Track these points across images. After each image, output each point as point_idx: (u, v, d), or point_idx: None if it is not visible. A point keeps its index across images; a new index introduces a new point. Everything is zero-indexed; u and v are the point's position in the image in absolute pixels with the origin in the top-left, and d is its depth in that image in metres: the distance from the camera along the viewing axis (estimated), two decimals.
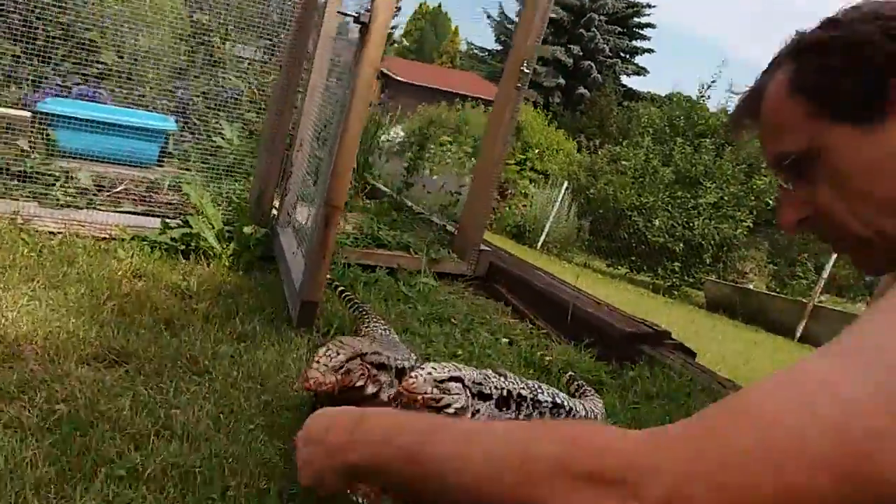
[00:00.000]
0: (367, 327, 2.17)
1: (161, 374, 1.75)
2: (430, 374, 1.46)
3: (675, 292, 11.97)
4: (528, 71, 3.22)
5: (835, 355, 0.74)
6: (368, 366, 1.51)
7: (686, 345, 2.70)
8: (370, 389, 1.51)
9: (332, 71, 2.84)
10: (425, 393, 1.43)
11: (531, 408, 1.65)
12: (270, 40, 4.03)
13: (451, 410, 1.49)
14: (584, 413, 1.79)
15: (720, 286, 11.28)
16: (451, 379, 1.48)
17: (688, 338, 2.71)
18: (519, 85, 3.24)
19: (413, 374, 1.46)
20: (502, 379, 1.63)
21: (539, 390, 1.68)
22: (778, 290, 11.85)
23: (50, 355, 1.73)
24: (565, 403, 1.72)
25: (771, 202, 12.69)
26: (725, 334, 7.12)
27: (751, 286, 11.80)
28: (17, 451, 1.29)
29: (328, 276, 2.73)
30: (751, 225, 12.55)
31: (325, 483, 1.02)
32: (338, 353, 1.44)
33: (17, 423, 1.40)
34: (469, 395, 1.52)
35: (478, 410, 1.55)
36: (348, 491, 1.17)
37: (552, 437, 0.76)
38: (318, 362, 1.41)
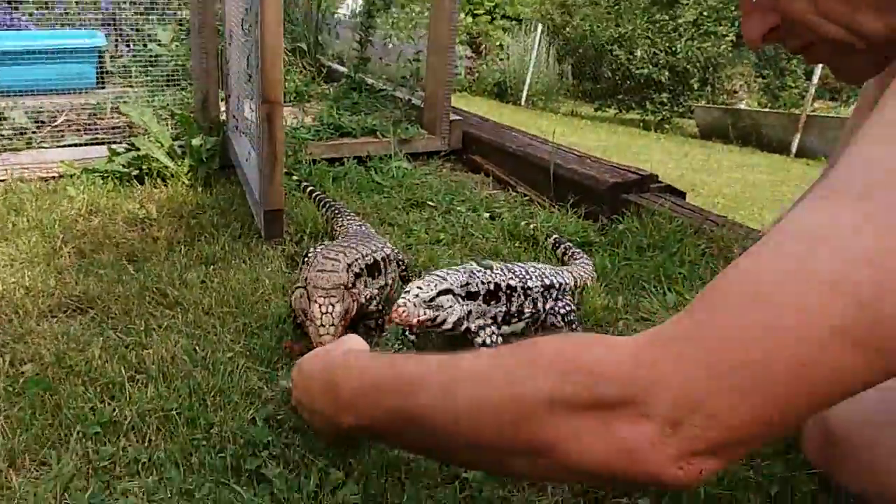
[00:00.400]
0: (341, 226, 2.08)
1: (129, 314, 1.67)
2: (417, 295, 1.40)
3: (667, 126, 11.74)
4: None
5: (824, 201, 0.63)
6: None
7: (675, 186, 2.59)
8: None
9: None
10: (419, 317, 1.39)
11: (522, 296, 1.59)
12: None
13: (448, 325, 1.45)
14: (572, 283, 1.72)
15: (710, 111, 11.02)
16: (440, 293, 1.42)
17: (682, 173, 2.61)
18: None
19: (400, 300, 1.40)
20: (488, 272, 1.56)
21: (527, 276, 1.61)
22: (769, 105, 11.59)
23: (8, 314, 1.64)
24: (555, 281, 1.65)
25: None
26: (720, 163, 7.01)
27: (742, 105, 11.55)
28: None
29: (295, 176, 2.59)
30: (734, 39, 12.08)
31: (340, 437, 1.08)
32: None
33: None
34: (460, 303, 1.47)
35: (469, 312, 1.49)
36: None
37: (535, 369, 0.68)
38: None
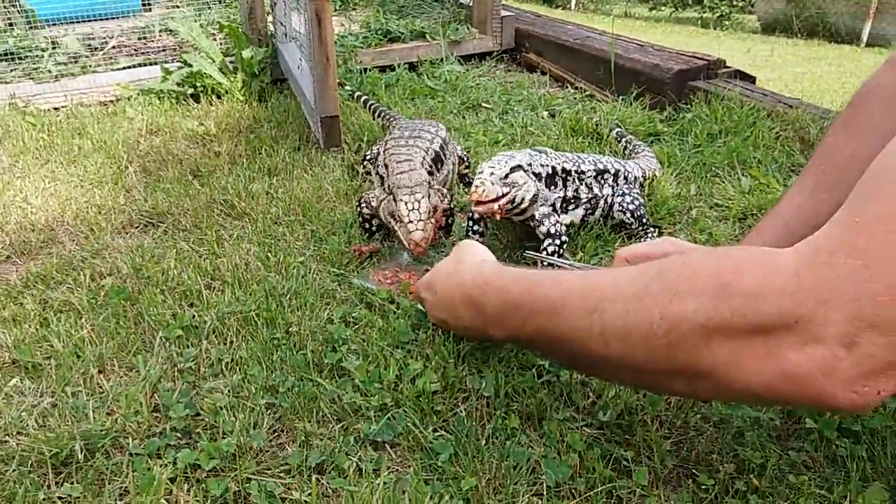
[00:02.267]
0: (395, 128, 2.04)
1: (199, 226, 1.69)
2: (492, 173, 1.37)
3: (727, 22, 11.06)
4: None
5: None
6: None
7: (743, 71, 2.44)
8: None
9: None
10: (497, 196, 1.37)
11: (577, 181, 1.54)
12: None
13: (525, 204, 1.42)
14: (638, 173, 1.66)
15: (772, 2, 10.31)
16: (513, 170, 1.39)
17: (745, 69, 2.44)
18: None
19: (476, 181, 1.37)
20: (543, 156, 1.51)
21: (580, 160, 1.56)
22: None
23: (84, 232, 1.68)
24: (610, 167, 1.60)
25: None
26: (785, 58, 6.61)
27: None
28: (74, 332, 1.27)
29: (347, 86, 2.55)
30: None
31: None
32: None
33: (68, 305, 1.37)
34: (532, 179, 1.43)
35: (538, 191, 1.45)
36: None
37: (688, 292, 0.63)
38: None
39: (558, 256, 1.42)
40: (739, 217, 1.62)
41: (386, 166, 1.55)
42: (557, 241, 1.43)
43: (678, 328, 0.63)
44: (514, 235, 1.59)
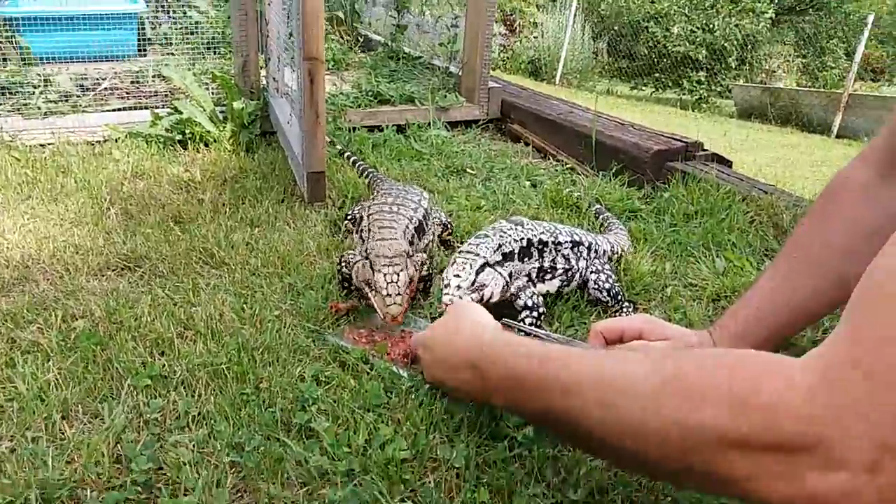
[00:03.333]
0: (379, 190, 2.07)
1: (176, 272, 1.68)
2: (458, 286, 1.37)
3: (704, 105, 11.49)
4: None
5: None
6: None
7: (720, 154, 2.53)
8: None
9: None
10: None
11: (553, 251, 1.57)
12: None
13: (496, 298, 1.42)
14: (607, 247, 1.70)
15: (748, 90, 10.76)
16: (478, 271, 1.39)
17: (721, 151, 2.53)
18: None
19: (443, 296, 1.37)
20: (519, 228, 1.54)
21: (557, 231, 1.60)
22: (809, 84, 11.28)
23: (59, 272, 1.66)
24: (584, 240, 1.64)
25: None
26: (759, 142, 6.86)
27: (780, 84, 11.24)
28: (40, 375, 1.24)
29: (335, 143, 2.59)
30: (773, 16, 11.74)
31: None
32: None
33: (37, 346, 1.35)
34: (498, 270, 1.44)
35: (511, 273, 1.48)
36: None
37: (705, 401, 0.63)
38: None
39: (534, 327, 1.43)
40: (713, 297, 1.66)
41: (368, 230, 1.57)
42: (535, 313, 1.45)
43: (694, 437, 0.63)
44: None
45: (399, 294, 1.39)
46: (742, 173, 2.41)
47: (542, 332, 1.40)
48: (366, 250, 1.49)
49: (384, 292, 1.39)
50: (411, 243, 1.58)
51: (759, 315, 1.20)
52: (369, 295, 1.44)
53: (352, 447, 1.09)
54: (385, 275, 1.40)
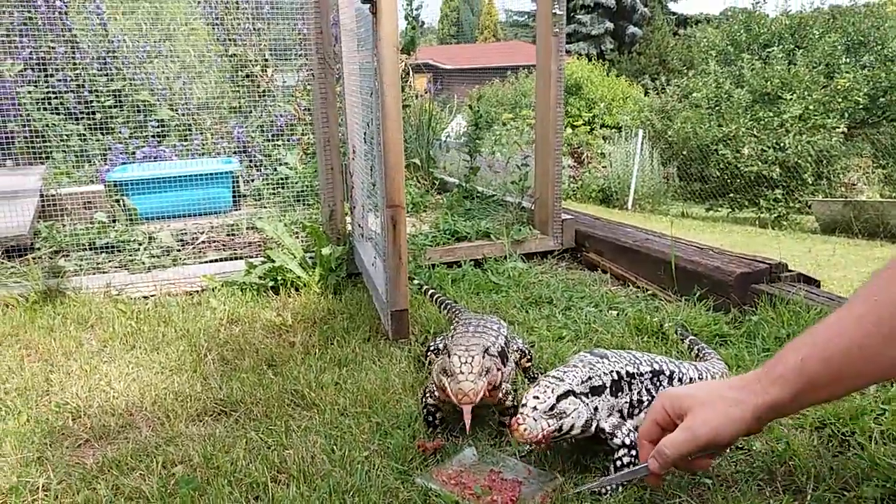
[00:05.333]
0: (459, 321, 2.10)
1: (270, 415, 1.73)
2: (535, 408, 1.32)
3: (784, 223, 11.26)
4: (560, 12, 3.02)
5: None
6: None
7: (807, 274, 2.46)
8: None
9: (363, 70, 2.77)
10: (543, 431, 1.30)
11: (640, 383, 1.51)
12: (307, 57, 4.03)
13: (577, 431, 1.36)
14: (693, 374, 1.62)
15: (829, 205, 10.51)
16: (560, 398, 1.34)
17: (807, 269, 2.48)
18: (556, 30, 3.04)
19: (518, 416, 1.32)
20: (605, 361, 1.48)
21: (638, 361, 1.53)
22: (894, 194, 10.96)
23: (160, 418, 1.74)
24: (665, 368, 1.55)
25: (861, 100, 11.77)
26: (847, 258, 6.62)
27: (863, 197, 10.96)
28: None
29: (416, 280, 2.67)
30: (845, 130, 11.65)
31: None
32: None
33: (138, 493, 1.40)
34: (584, 401, 1.39)
35: (597, 408, 1.41)
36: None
37: None
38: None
39: (632, 465, 1.36)
40: (817, 426, 1.57)
41: (448, 348, 1.57)
42: (634, 452, 1.37)
43: None
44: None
45: (473, 373, 1.34)
46: (831, 292, 2.34)
47: (605, 479, 1.33)
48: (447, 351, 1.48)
49: (458, 370, 1.35)
50: (492, 356, 1.56)
51: (824, 356, 1.09)
52: (446, 385, 1.39)
53: None
54: (459, 356, 1.38)
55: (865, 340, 1.05)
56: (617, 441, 1.39)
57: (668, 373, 1.56)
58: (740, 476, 1.38)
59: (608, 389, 1.44)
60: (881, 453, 1.40)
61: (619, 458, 1.37)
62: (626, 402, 1.47)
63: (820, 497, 1.30)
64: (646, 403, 1.51)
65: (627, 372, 1.48)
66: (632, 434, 1.40)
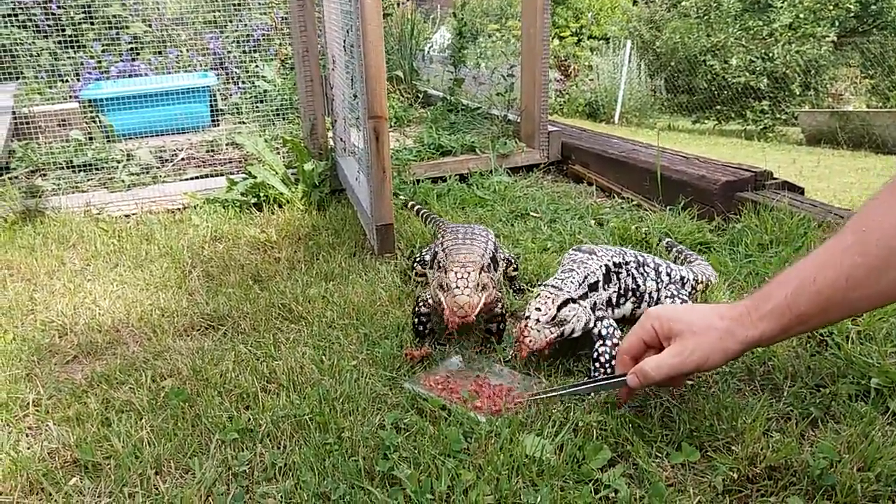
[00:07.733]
0: (446, 230, 2.09)
1: (257, 329, 1.74)
2: (537, 320, 1.38)
3: (770, 134, 11.19)
4: None
5: None
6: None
7: (791, 182, 2.46)
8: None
9: None
10: (547, 339, 1.37)
11: (625, 272, 1.59)
12: None
13: (577, 333, 1.43)
14: (688, 275, 1.68)
15: (815, 115, 10.42)
16: (560, 306, 1.40)
17: (791, 179, 2.47)
18: None
19: (523, 327, 1.37)
20: (594, 256, 1.55)
21: (623, 252, 1.62)
22: (880, 105, 10.88)
23: (147, 334, 1.74)
24: (649, 261, 1.64)
25: (852, 6, 11.52)
26: (831, 168, 6.62)
27: (849, 108, 10.87)
28: (133, 433, 1.30)
29: (401, 196, 2.65)
30: (835, 39, 11.44)
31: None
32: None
33: (129, 405, 1.41)
34: (582, 304, 1.44)
35: (594, 305, 1.47)
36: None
37: None
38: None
39: (609, 359, 1.40)
40: None
41: (445, 260, 1.57)
42: (609, 342, 1.42)
43: None
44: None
45: (469, 288, 1.37)
46: (816, 199, 2.34)
47: (580, 384, 1.36)
48: (442, 266, 1.50)
49: (454, 285, 1.37)
50: (486, 272, 1.58)
51: (813, 289, 1.09)
52: (441, 299, 1.42)
53: (435, 494, 1.09)
54: (455, 272, 1.40)
55: (853, 272, 1.04)
56: (595, 331, 1.45)
57: (652, 265, 1.63)
58: (720, 376, 1.42)
59: (601, 283, 1.52)
60: (857, 352, 1.43)
61: (596, 350, 1.43)
62: (614, 292, 1.56)
63: (796, 393, 1.34)
64: (631, 292, 1.59)
65: (615, 262, 1.57)
66: (611, 327, 1.45)
